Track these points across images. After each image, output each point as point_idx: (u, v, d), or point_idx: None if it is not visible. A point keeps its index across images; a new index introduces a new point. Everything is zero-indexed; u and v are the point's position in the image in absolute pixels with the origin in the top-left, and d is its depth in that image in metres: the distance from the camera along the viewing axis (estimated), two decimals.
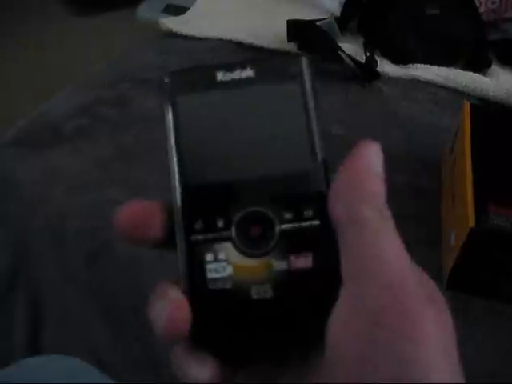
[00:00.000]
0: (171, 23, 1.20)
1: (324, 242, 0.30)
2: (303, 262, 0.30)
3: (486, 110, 0.92)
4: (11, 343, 0.92)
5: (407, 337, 0.26)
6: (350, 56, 1.05)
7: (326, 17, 1.14)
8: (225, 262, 0.30)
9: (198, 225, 0.30)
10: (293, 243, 0.30)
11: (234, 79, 0.31)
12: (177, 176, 0.31)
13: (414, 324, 0.26)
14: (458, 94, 1.05)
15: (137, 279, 0.79)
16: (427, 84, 1.08)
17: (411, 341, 0.26)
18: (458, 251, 0.70)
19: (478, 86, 1.05)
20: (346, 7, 1.18)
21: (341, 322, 0.28)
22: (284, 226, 0.30)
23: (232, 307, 0.30)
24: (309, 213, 0.30)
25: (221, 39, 1.16)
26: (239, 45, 1.14)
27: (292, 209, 0.30)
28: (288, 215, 0.30)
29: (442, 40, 1.12)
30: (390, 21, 1.12)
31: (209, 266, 0.30)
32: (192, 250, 0.30)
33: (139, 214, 0.30)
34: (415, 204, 0.84)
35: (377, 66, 1.07)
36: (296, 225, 0.30)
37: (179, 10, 1.39)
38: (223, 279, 0.30)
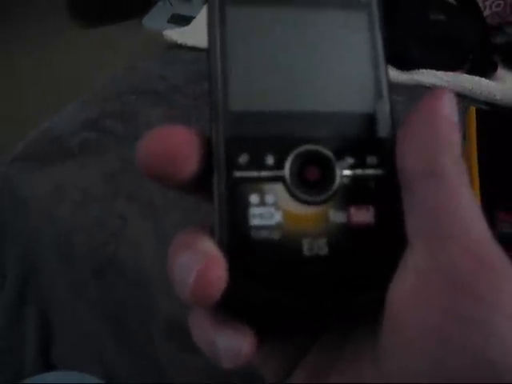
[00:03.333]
0: (176, 35, 1.20)
1: (389, 195, 0.25)
2: (365, 215, 0.25)
3: (492, 114, 0.92)
4: (22, 358, 0.92)
5: (497, 308, 0.22)
6: None
7: None
8: (273, 207, 0.25)
9: (243, 159, 0.25)
10: (354, 193, 0.25)
11: None
12: (220, 98, 0.25)
13: (505, 295, 0.22)
14: (463, 98, 1.05)
15: (145, 293, 0.79)
16: (433, 89, 1.07)
17: (502, 314, 0.22)
18: None
19: (484, 90, 1.05)
20: None
21: (408, 288, 0.23)
22: (345, 172, 0.25)
23: (278, 263, 0.24)
24: (373, 160, 0.25)
25: None
26: None
27: (354, 153, 0.25)
28: (350, 160, 0.25)
29: (447, 45, 1.11)
30: (394, 27, 1.12)
31: (253, 211, 0.24)
32: (233, 190, 0.24)
33: (170, 144, 0.24)
34: None
35: None
36: (358, 171, 0.25)
37: (185, 20, 1.40)
38: (270, 228, 0.24)
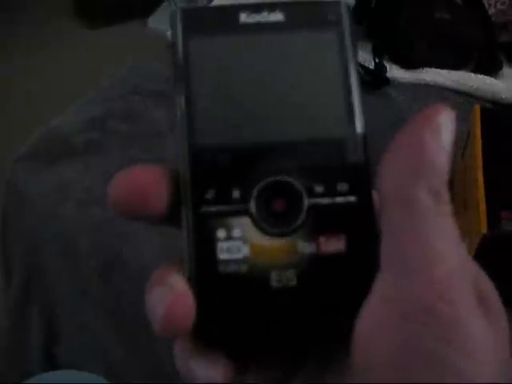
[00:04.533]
0: None
1: (360, 223, 0.25)
2: (334, 244, 0.25)
3: (497, 113, 0.91)
4: (26, 357, 0.93)
5: (453, 345, 0.22)
6: (358, 62, 1.05)
7: None
8: (240, 241, 0.25)
9: (210, 195, 0.25)
10: (323, 222, 0.25)
11: (260, 22, 0.26)
12: (185, 134, 0.25)
13: (462, 332, 0.22)
14: (469, 97, 1.04)
15: None
16: (437, 88, 1.07)
17: (457, 350, 0.22)
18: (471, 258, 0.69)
19: (489, 89, 1.04)
20: (353, 13, 1.18)
21: (373, 319, 0.23)
22: (313, 201, 0.25)
23: (246, 296, 0.25)
24: (343, 186, 0.25)
25: None
26: None
27: (324, 181, 0.25)
28: (318, 188, 0.25)
29: (452, 43, 1.11)
30: (398, 25, 1.12)
31: (220, 245, 0.24)
32: (200, 225, 0.25)
33: (138, 183, 0.25)
34: None
35: (386, 71, 1.07)
36: (328, 200, 0.25)
37: None
38: (237, 261, 0.24)
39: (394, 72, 1.08)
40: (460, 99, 1.04)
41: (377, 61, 1.07)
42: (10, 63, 2.09)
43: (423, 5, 1.13)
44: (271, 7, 0.26)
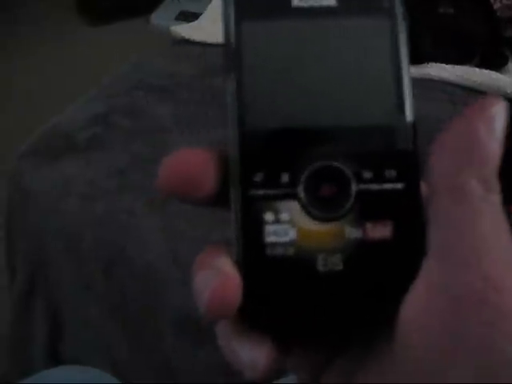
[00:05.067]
0: (183, 30, 1.20)
1: (407, 210, 0.25)
2: (381, 231, 0.25)
3: None
4: (31, 353, 0.92)
5: (503, 331, 0.22)
6: None
7: None
8: (288, 224, 0.25)
9: (259, 178, 0.25)
10: (371, 208, 0.25)
11: (312, 6, 0.26)
12: (236, 117, 0.25)
13: (511, 320, 0.22)
14: (474, 92, 1.04)
15: (153, 288, 0.79)
16: (442, 83, 1.06)
17: (506, 336, 0.22)
18: None
19: (495, 84, 1.04)
20: None
21: (419, 305, 0.23)
22: (362, 187, 0.25)
23: (293, 279, 0.25)
24: (391, 173, 0.25)
25: None
26: None
27: (372, 167, 0.25)
28: (367, 174, 0.25)
29: (457, 38, 1.10)
30: None
31: (268, 228, 0.25)
32: (249, 208, 0.25)
33: (188, 165, 0.25)
34: None
35: None
36: (376, 186, 0.25)
37: (193, 16, 1.39)
38: (284, 244, 0.25)
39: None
40: (466, 94, 1.04)
41: None
42: (10, 62, 2.09)
43: (428, 0, 1.12)
44: None
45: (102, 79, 1.14)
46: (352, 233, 0.25)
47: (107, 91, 1.08)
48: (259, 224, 0.25)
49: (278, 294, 0.25)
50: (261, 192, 0.25)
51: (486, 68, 1.08)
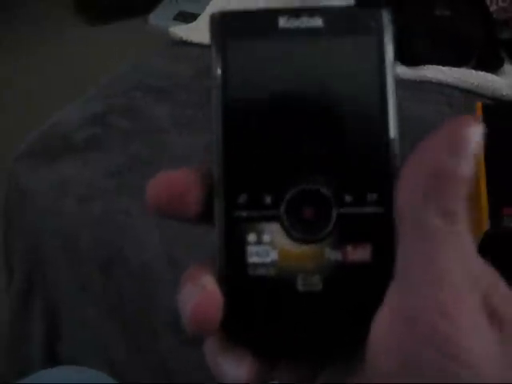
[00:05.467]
0: (181, 31, 1.20)
1: (386, 234, 0.25)
2: (360, 253, 0.25)
3: (498, 110, 0.91)
4: (28, 353, 0.93)
5: (454, 358, 0.22)
6: None
7: None
8: (269, 246, 0.25)
9: (242, 199, 0.26)
10: (351, 231, 0.25)
11: (299, 27, 0.26)
12: (221, 139, 0.26)
13: (463, 346, 0.22)
14: (470, 94, 1.04)
15: (150, 288, 0.79)
16: (439, 85, 1.07)
17: (458, 362, 0.22)
18: None
19: (491, 86, 1.04)
20: None
21: (383, 326, 0.24)
22: (343, 210, 0.25)
23: (273, 298, 0.25)
24: (372, 197, 0.25)
25: None
26: None
27: (354, 190, 0.25)
28: (348, 197, 0.25)
29: (453, 40, 1.11)
30: (399, 22, 1.12)
31: (250, 249, 0.25)
32: (232, 229, 0.26)
33: (174, 185, 0.26)
34: None
35: None
36: (357, 210, 0.25)
37: (191, 17, 1.39)
38: (266, 265, 0.25)
39: (396, 69, 1.08)
40: (462, 96, 1.04)
41: None
42: (9, 61, 2.09)
43: (424, 2, 1.12)
44: (311, 12, 0.26)
45: (100, 79, 1.14)
46: (331, 255, 0.25)
47: (105, 91, 1.08)
48: (242, 244, 0.26)
49: (259, 311, 0.26)
50: (244, 213, 0.26)
51: (482, 70, 1.08)
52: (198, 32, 1.20)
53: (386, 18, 0.26)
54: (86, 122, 0.99)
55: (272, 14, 0.26)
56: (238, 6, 1.30)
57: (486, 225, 0.66)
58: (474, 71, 1.08)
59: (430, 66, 1.09)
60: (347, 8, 0.28)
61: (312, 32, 0.26)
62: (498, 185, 0.71)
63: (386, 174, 0.26)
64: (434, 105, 1.03)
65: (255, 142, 0.26)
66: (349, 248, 0.25)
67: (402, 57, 1.10)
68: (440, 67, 1.08)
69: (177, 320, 0.76)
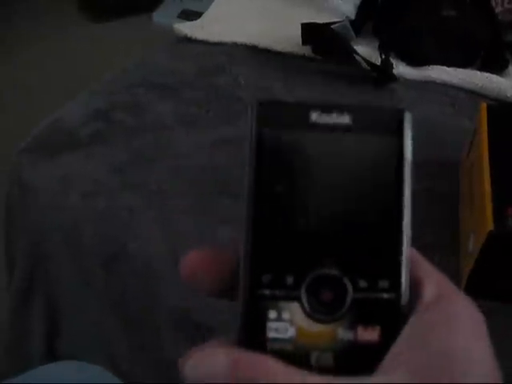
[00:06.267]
0: (186, 28, 1.20)
1: (394, 318, 0.28)
2: (370, 334, 0.28)
3: (503, 111, 0.91)
4: (29, 349, 0.92)
5: None
6: (365, 59, 1.05)
7: (340, 20, 1.14)
8: (288, 323, 0.28)
9: (266, 279, 0.28)
10: (363, 314, 0.28)
11: (328, 123, 0.29)
12: (250, 225, 0.29)
13: None
14: (475, 95, 1.04)
15: (153, 285, 0.79)
16: (444, 86, 1.07)
17: None
18: (477, 255, 0.69)
19: (496, 87, 1.04)
20: (360, 10, 1.18)
21: None
22: (357, 295, 0.28)
23: None
24: (384, 284, 0.28)
25: (235, 43, 1.16)
26: (254, 48, 1.14)
27: (368, 277, 0.28)
28: (363, 283, 0.28)
29: (459, 41, 1.11)
30: (405, 23, 1.11)
31: (270, 325, 0.28)
32: (255, 305, 0.28)
33: (201, 266, 0.29)
34: (433, 208, 0.83)
35: (392, 68, 1.06)
36: (369, 295, 0.28)
37: (195, 15, 1.39)
38: (284, 340, 0.28)
39: (401, 69, 1.08)
40: (467, 97, 1.04)
41: (383, 57, 1.07)
42: (11, 57, 2.09)
43: (430, 2, 1.12)
44: (341, 109, 0.29)
45: (102, 76, 1.14)
46: (344, 334, 0.28)
47: (109, 87, 1.08)
48: (263, 320, 0.28)
49: None
50: (267, 292, 0.28)
51: (487, 71, 1.08)
52: (202, 30, 1.20)
53: (408, 117, 0.29)
54: (90, 117, 0.99)
55: (305, 108, 0.29)
56: (238, 6, 1.30)
57: (490, 225, 0.66)
58: (478, 72, 1.08)
59: (435, 67, 1.09)
60: (374, 107, 0.30)
61: (340, 129, 0.29)
62: (502, 185, 0.71)
63: (397, 264, 0.28)
64: (439, 105, 1.03)
65: (281, 226, 0.29)
66: (360, 329, 0.28)
67: (408, 57, 1.10)
68: (445, 68, 1.08)
69: (179, 317, 0.75)
